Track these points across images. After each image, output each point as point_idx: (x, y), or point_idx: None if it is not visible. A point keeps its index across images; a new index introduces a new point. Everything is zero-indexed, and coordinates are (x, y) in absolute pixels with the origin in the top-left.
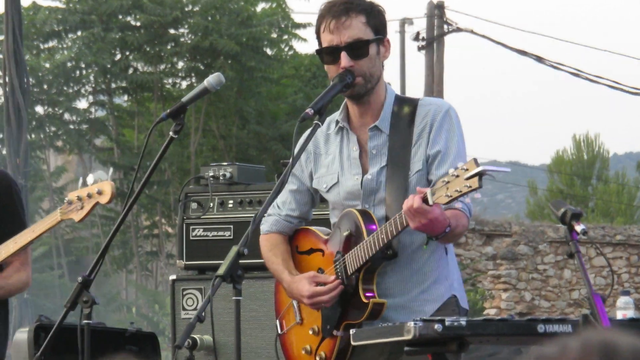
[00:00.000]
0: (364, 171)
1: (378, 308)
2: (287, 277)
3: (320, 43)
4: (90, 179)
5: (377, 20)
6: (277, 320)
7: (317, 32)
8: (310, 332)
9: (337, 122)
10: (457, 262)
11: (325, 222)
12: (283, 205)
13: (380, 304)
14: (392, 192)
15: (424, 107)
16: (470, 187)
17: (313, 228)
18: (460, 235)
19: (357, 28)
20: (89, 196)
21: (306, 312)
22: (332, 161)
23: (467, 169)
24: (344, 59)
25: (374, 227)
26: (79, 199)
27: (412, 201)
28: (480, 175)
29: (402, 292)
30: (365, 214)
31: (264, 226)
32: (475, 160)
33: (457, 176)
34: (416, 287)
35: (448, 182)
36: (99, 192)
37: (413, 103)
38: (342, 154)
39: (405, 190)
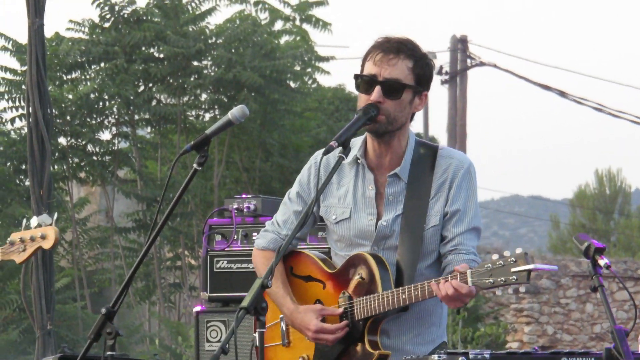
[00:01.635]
0: (378, 214)
1: (383, 359)
2: (290, 305)
3: (362, 70)
4: (33, 221)
5: (423, 71)
6: (256, 333)
7: (363, 60)
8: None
9: (355, 156)
10: (480, 296)
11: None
12: (284, 224)
13: (385, 355)
14: (406, 242)
15: (445, 159)
16: (517, 279)
17: (312, 254)
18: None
19: (400, 69)
20: (32, 239)
21: (296, 337)
22: (345, 194)
23: (515, 261)
24: (376, 93)
25: (389, 280)
26: (22, 240)
27: (447, 289)
28: (529, 272)
29: (398, 334)
30: (380, 262)
31: (261, 241)
32: (525, 255)
33: (503, 265)
34: (412, 330)
35: (492, 268)
36: (42, 237)
37: (433, 151)
38: (356, 189)
39: (420, 242)
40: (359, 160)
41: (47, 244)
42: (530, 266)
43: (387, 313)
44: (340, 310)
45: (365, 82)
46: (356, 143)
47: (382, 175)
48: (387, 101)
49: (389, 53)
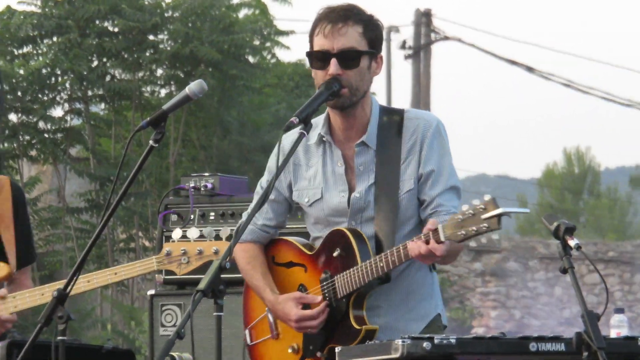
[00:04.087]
0: (351, 188)
1: (370, 334)
2: (270, 296)
3: (312, 46)
4: (193, 232)
5: (373, 33)
6: (247, 330)
7: (311, 35)
8: (290, 350)
9: (320, 135)
10: (445, 279)
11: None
12: (259, 214)
13: (372, 330)
14: (382, 211)
15: (412, 120)
16: (488, 227)
17: (292, 239)
18: (459, 253)
19: (352, 37)
20: (200, 253)
21: (284, 326)
22: (315, 175)
23: (484, 208)
24: (333, 66)
25: (368, 251)
26: (184, 253)
27: (419, 248)
28: (500, 216)
29: (388, 311)
30: (357, 236)
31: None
32: (494, 200)
33: (473, 214)
34: (402, 305)
35: (463, 219)
36: (216, 252)
37: (399, 115)
38: (325, 168)
39: (395, 209)
40: (324, 138)
41: None
42: (500, 210)
43: (369, 285)
44: (320, 298)
45: (319, 58)
46: (318, 122)
47: (349, 149)
48: (346, 72)
49: (337, 22)
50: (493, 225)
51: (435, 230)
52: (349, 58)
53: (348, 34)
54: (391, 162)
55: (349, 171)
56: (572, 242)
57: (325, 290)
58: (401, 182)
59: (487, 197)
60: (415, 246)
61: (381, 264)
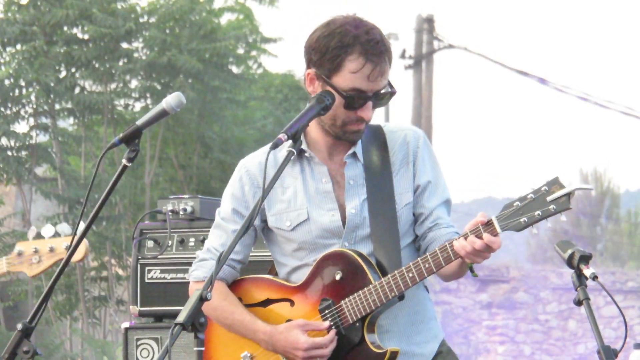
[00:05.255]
0: (340, 207)
1: (393, 357)
2: (265, 327)
3: (335, 66)
4: (48, 230)
5: None
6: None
7: (339, 61)
8: None
9: (302, 150)
10: (448, 311)
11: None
12: (222, 247)
13: (395, 352)
14: (379, 228)
15: (396, 133)
16: (556, 208)
17: (261, 276)
18: None
19: (387, 76)
20: (51, 250)
21: None
22: (294, 195)
23: (548, 189)
24: (368, 111)
25: (375, 269)
26: (36, 251)
27: (472, 244)
28: (569, 195)
29: (398, 335)
30: (359, 254)
31: (199, 272)
32: (557, 179)
33: (535, 198)
34: (411, 328)
35: (522, 205)
36: (67, 248)
37: (378, 128)
38: (306, 186)
39: (395, 224)
40: (305, 154)
41: (74, 257)
42: (571, 188)
43: (388, 304)
44: (327, 323)
45: (356, 99)
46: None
47: (336, 163)
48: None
49: (384, 65)
50: (562, 206)
51: (488, 223)
52: (382, 99)
53: (386, 74)
54: (381, 175)
55: (336, 187)
56: (587, 272)
57: (329, 319)
58: (397, 195)
59: (549, 178)
60: (466, 243)
61: (410, 275)
